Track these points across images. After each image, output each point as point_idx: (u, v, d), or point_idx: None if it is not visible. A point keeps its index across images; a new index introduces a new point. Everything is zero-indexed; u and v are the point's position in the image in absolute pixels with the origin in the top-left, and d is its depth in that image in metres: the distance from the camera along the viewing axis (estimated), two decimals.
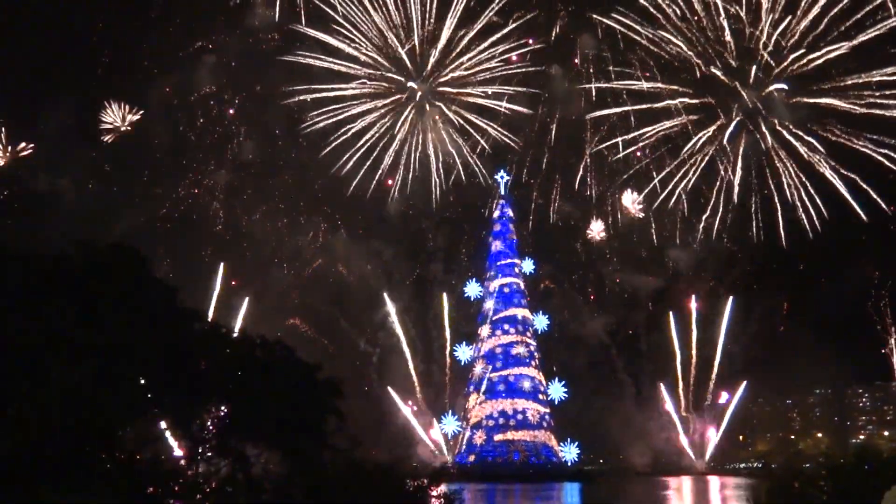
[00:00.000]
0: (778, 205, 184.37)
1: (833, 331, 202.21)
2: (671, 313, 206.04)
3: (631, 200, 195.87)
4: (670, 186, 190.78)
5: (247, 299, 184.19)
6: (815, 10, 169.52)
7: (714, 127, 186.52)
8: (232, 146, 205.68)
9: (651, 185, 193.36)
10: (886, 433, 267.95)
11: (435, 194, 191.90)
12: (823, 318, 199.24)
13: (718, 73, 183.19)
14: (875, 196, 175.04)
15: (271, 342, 43.62)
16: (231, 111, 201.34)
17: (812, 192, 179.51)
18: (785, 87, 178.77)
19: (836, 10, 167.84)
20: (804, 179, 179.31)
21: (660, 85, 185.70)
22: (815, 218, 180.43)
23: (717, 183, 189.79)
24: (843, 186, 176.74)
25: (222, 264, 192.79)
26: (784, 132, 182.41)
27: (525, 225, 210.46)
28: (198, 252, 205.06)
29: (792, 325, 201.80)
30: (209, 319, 43.58)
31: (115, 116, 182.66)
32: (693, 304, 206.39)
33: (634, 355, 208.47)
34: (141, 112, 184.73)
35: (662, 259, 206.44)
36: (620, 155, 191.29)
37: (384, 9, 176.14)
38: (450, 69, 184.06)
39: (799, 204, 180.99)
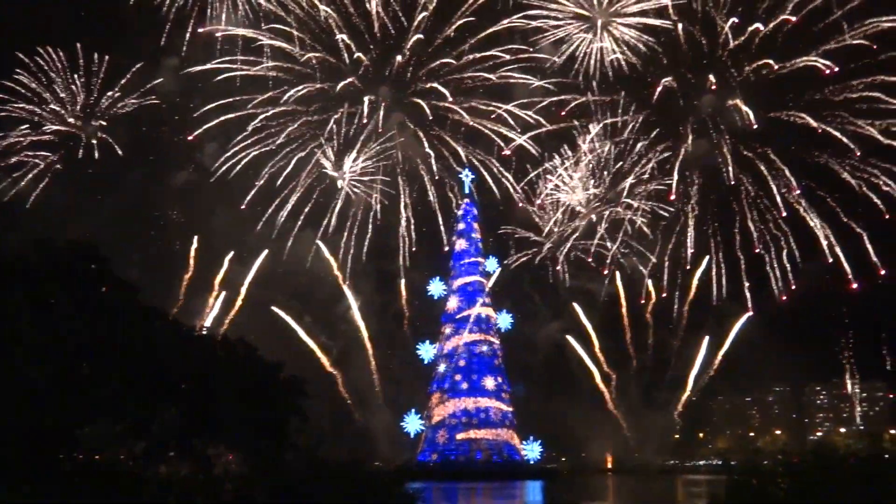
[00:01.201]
0: (744, 273, 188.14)
1: (791, 329, 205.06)
2: (626, 317, 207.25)
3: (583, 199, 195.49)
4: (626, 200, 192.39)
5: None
6: (773, 24, 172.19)
7: (668, 143, 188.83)
8: (194, 150, 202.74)
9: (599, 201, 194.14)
10: (843, 430, 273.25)
11: (401, 195, 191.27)
12: (782, 317, 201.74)
13: (674, 86, 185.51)
14: (832, 203, 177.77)
15: (233, 340, 43.38)
16: (194, 115, 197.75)
17: (789, 237, 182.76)
18: (740, 101, 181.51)
19: (790, 25, 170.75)
20: (773, 210, 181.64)
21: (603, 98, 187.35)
22: (788, 273, 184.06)
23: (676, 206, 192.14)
24: (803, 199, 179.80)
25: (195, 238, 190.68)
26: (743, 147, 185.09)
27: (489, 224, 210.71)
28: (161, 252, 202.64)
29: (751, 324, 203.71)
30: (171, 317, 43.18)
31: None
32: (649, 313, 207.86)
33: (592, 356, 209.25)
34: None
35: (620, 267, 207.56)
36: (578, 171, 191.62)
37: (344, 13, 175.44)
38: (414, 77, 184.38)
39: (771, 245, 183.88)
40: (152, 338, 37.92)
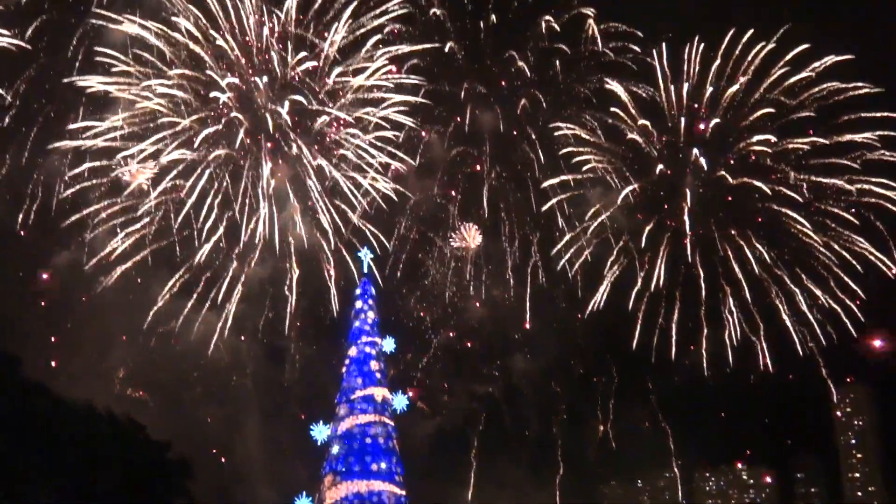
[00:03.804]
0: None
1: (680, 413, 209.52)
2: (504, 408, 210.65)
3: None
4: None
5: None
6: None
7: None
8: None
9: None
10: None
11: (289, 263, 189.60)
12: (669, 401, 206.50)
13: None
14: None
15: (119, 417, 41.89)
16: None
17: None
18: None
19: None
20: None
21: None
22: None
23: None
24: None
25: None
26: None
27: (386, 303, 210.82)
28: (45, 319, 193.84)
29: (637, 407, 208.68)
30: (54, 391, 41.37)
31: None
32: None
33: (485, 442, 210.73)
34: None
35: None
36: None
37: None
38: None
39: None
40: (32, 414, 36.22)
